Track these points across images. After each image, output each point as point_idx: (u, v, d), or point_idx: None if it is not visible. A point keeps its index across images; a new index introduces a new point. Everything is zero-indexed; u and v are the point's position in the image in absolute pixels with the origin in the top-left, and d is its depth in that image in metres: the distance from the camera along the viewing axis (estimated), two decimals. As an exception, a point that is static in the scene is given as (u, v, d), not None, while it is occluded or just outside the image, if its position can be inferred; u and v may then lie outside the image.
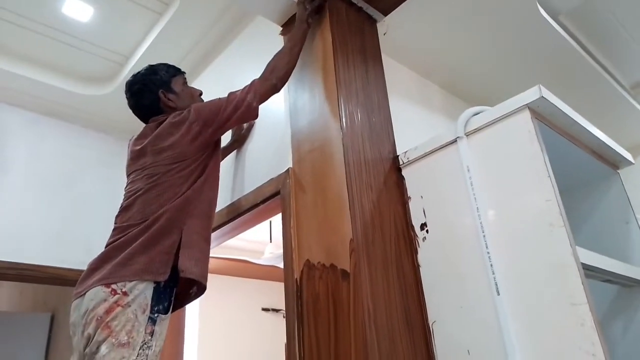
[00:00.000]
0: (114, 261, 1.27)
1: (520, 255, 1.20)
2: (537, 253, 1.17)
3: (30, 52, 2.42)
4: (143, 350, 1.19)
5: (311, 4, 1.68)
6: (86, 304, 1.23)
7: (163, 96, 1.62)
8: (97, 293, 1.22)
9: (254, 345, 4.40)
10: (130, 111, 1.69)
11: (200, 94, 1.74)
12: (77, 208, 2.66)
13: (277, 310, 4.78)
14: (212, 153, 1.56)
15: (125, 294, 1.22)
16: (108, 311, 1.19)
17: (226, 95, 1.57)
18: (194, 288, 1.45)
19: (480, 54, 2.16)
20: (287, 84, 1.74)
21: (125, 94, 1.66)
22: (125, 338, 1.17)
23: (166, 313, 1.29)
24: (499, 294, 1.19)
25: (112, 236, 1.39)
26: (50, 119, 2.77)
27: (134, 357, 1.17)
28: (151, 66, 1.68)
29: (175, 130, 1.49)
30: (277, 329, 4.54)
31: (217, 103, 1.53)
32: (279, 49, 1.66)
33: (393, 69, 1.97)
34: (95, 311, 1.20)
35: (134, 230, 1.33)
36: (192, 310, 4.15)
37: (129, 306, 1.20)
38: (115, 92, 2.59)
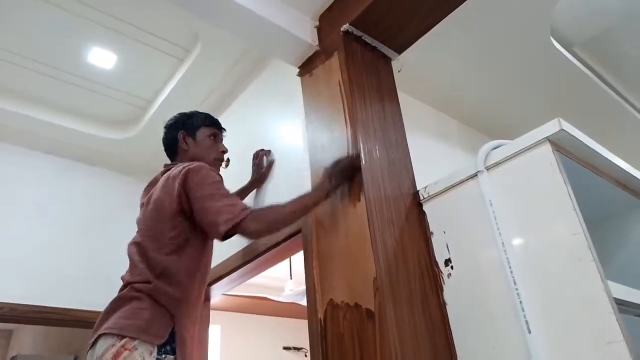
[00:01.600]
0: (118, 313, 1.30)
1: (550, 292, 1.17)
2: (567, 289, 1.14)
3: (58, 100, 2.53)
4: None
5: (338, 180, 1.46)
6: (97, 351, 1.26)
7: (182, 137, 1.66)
8: (105, 339, 1.25)
9: (276, 385, 4.31)
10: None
11: (224, 151, 1.73)
12: (103, 250, 2.70)
13: (298, 349, 4.69)
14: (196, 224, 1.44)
15: (132, 337, 1.24)
16: (116, 355, 1.21)
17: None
18: None
19: (497, 88, 2.18)
20: (306, 123, 1.78)
21: None
22: None
23: (174, 354, 1.30)
24: (530, 332, 1.16)
25: (125, 280, 1.42)
26: (79, 164, 2.87)
27: None
28: (194, 111, 1.75)
29: (166, 184, 1.46)
30: (299, 368, 4.45)
31: (208, 190, 1.39)
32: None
33: (410, 105, 1.99)
34: (104, 357, 1.22)
35: (134, 286, 1.36)
36: (214, 348, 4.10)
37: (136, 349, 1.22)
38: (138, 135, 2.67)
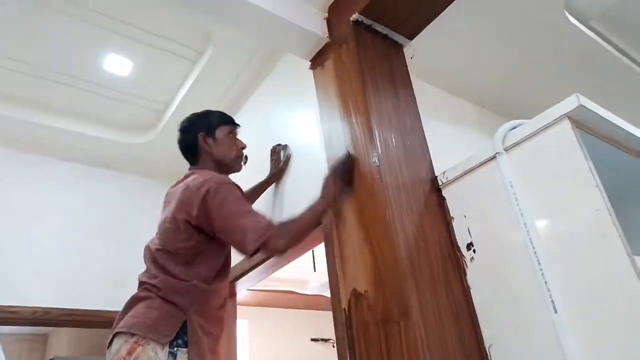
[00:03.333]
0: (130, 312, 1.36)
1: (575, 270, 1.15)
2: (593, 266, 1.12)
3: (78, 108, 2.58)
4: None
5: (341, 182, 1.51)
6: (113, 349, 1.31)
7: (202, 139, 1.63)
8: (120, 338, 1.31)
9: (305, 377, 4.35)
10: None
11: (243, 147, 1.73)
12: (128, 252, 2.75)
13: (326, 340, 4.73)
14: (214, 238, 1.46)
15: (142, 336, 1.29)
16: (130, 352, 1.26)
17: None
18: None
19: (511, 68, 2.14)
20: (320, 115, 1.78)
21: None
22: None
23: (186, 346, 1.33)
24: (556, 312, 1.15)
25: (140, 280, 1.46)
26: (101, 169, 2.93)
27: None
28: (208, 111, 1.73)
29: (184, 195, 1.45)
30: (327, 359, 4.49)
31: (231, 208, 1.39)
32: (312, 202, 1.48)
33: (424, 91, 1.98)
34: (119, 354, 1.27)
35: (146, 287, 1.41)
36: (242, 342, 4.17)
37: (148, 344, 1.27)
38: (157, 139, 2.71)
